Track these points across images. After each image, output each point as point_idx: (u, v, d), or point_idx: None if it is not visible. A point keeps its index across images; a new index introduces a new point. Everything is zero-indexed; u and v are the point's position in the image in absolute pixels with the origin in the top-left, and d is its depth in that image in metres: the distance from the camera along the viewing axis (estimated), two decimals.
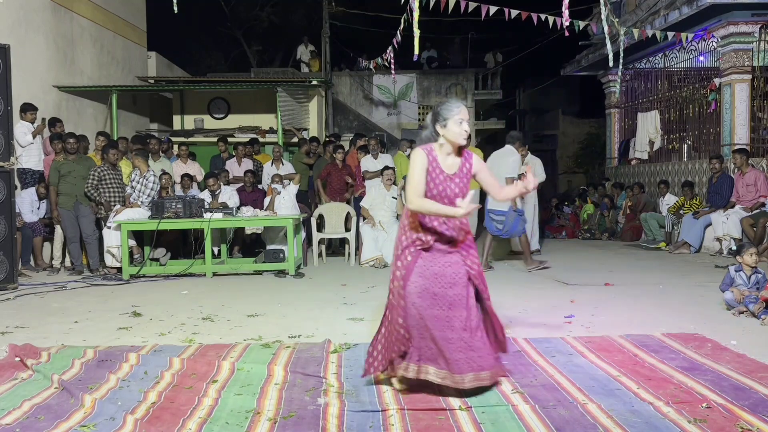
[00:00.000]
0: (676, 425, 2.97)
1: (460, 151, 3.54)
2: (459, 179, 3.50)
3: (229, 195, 9.26)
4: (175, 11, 8.42)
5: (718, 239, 9.45)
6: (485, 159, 8.18)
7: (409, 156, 11.22)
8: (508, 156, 8.22)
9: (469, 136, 3.55)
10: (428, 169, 3.46)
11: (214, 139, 12.11)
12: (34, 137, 8.87)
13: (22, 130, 8.71)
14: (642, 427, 2.97)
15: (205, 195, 9.18)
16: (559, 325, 5.08)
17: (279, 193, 9.10)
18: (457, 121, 3.42)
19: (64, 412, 3.25)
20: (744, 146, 10.30)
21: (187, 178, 9.56)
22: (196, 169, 10.40)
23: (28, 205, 8.78)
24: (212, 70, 21.59)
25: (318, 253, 9.27)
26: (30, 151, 8.95)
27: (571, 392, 3.44)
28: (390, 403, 3.33)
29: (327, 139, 12.72)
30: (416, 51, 9.03)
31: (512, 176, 7.89)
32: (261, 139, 12.19)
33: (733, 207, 9.47)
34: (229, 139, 12.03)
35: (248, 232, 9.68)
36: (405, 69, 18.29)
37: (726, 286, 5.46)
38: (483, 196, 8.69)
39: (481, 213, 8.24)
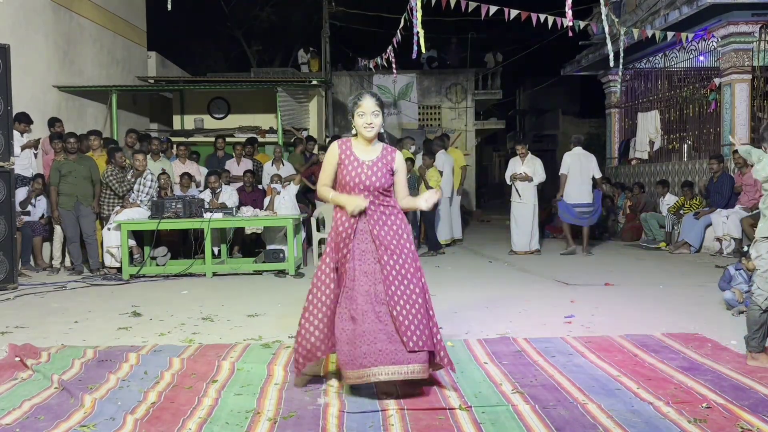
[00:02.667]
0: (676, 425, 2.97)
1: (387, 144, 3.62)
2: (377, 168, 3.50)
3: (229, 194, 9.25)
4: (169, 8, 8.40)
5: (718, 239, 9.45)
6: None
7: (414, 153, 11.22)
8: (591, 158, 9.85)
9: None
10: (340, 159, 3.55)
11: (214, 139, 12.10)
12: (21, 150, 8.79)
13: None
14: (642, 427, 2.97)
15: (206, 194, 9.18)
16: (559, 325, 5.08)
17: (279, 193, 9.09)
18: (359, 113, 3.50)
19: (64, 412, 3.25)
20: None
21: (186, 178, 9.55)
22: (195, 169, 10.39)
23: (30, 207, 8.76)
24: (212, 70, 21.57)
25: (318, 253, 9.26)
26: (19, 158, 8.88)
27: (571, 392, 3.44)
28: (390, 403, 3.33)
29: (327, 139, 12.71)
30: (423, 49, 9.01)
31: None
32: (261, 139, 12.19)
33: (733, 206, 9.47)
34: (230, 139, 12.03)
35: (248, 232, 9.68)
36: (405, 69, 18.28)
37: (725, 284, 5.45)
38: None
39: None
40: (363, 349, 3.30)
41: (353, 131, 3.61)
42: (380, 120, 3.55)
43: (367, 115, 3.50)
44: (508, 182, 10.15)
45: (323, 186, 3.63)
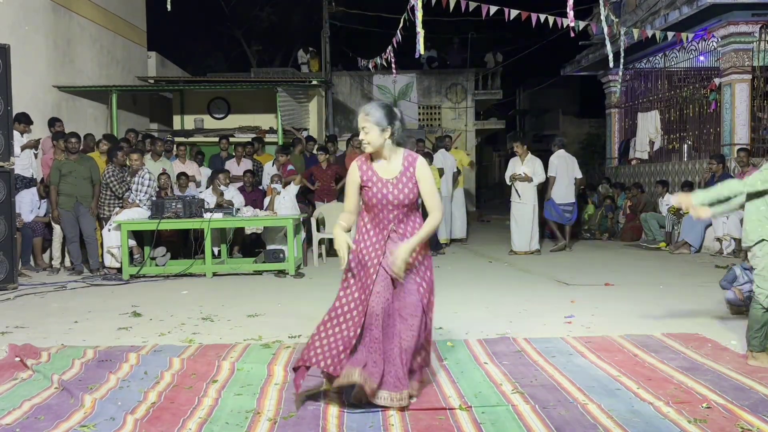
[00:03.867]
0: (676, 425, 2.97)
1: (397, 155, 3.37)
2: (402, 185, 3.31)
3: (233, 194, 9.27)
4: (169, 8, 8.41)
5: (719, 239, 9.44)
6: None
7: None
8: (573, 160, 10.34)
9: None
10: (362, 180, 3.35)
11: (215, 139, 12.11)
12: (21, 150, 8.80)
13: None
14: (642, 427, 2.97)
15: (206, 194, 9.18)
16: (559, 325, 5.08)
17: (279, 193, 9.09)
18: (360, 128, 3.31)
19: (64, 412, 3.25)
20: (745, 146, 10.31)
21: (183, 178, 9.56)
22: (195, 169, 10.39)
23: (28, 205, 8.76)
24: (212, 70, 21.57)
25: (318, 253, 9.26)
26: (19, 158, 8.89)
27: (571, 392, 3.44)
28: None
29: (326, 139, 12.70)
30: (421, 50, 9.01)
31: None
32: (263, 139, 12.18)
33: None
34: (231, 139, 12.03)
35: (248, 232, 9.68)
36: (405, 69, 18.27)
37: (727, 284, 5.44)
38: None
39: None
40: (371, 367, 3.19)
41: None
42: (376, 133, 3.27)
43: (361, 132, 3.32)
44: (508, 182, 10.16)
45: (345, 213, 3.42)
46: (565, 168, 10.12)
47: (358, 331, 3.21)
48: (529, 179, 9.82)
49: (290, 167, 9.83)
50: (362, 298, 3.25)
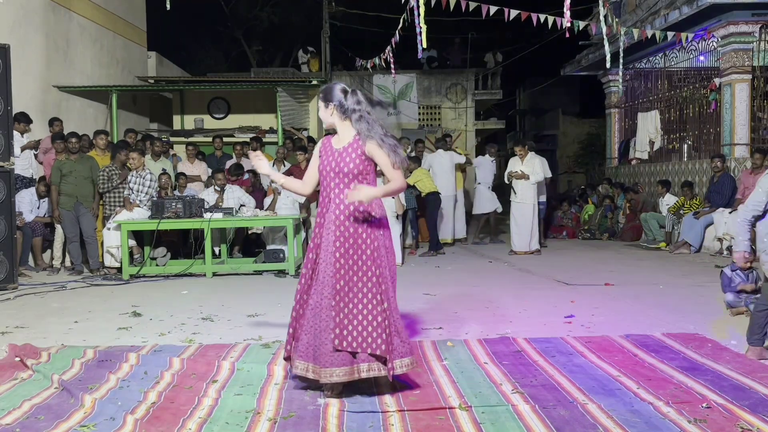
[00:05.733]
0: (676, 425, 2.97)
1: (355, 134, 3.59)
2: (346, 154, 3.54)
3: (239, 195, 9.23)
4: (168, 8, 8.41)
5: (719, 239, 9.44)
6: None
7: (409, 152, 11.23)
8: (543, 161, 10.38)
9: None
10: (320, 153, 3.68)
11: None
12: (21, 151, 8.80)
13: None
14: (642, 427, 2.97)
15: (206, 194, 9.19)
16: (559, 325, 5.08)
17: (279, 193, 9.09)
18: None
19: (64, 412, 3.25)
20: (763, 147, 10.38)
21: (183, 178, 9.55)
22: (203, 169, 10.39)
23: (28, 205, 8.76)
24: (212, 70, 21.57)
25: None
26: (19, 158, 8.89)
27: (571, 392, 3.44)
28: (390, 403, 3.33)
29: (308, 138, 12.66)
30: (424, 44, 9.01)
31: None
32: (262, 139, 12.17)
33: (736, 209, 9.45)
34: (232, 139, 12.02)
35: (249, 231, 9.68)
36: (405, 69, 18.28)
37: (727, 288, 5.44)
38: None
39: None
40: (304, 342, 3.44)
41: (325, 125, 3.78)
42: (326, 112, 3.59)
43: (321, 109, 3.65)
44: (506, 181, 10.18)
45: (301, 182, 3.82)
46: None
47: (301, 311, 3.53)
48: (526, 177, 9.82)
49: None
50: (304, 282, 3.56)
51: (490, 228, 12.07)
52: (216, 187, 9.21)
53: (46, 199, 8.88)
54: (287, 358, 3.62)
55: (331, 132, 3.73)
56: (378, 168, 3.61)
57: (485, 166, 11.81)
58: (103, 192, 8.51)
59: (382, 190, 3.51)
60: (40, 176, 9.00)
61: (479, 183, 11.72)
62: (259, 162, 3.75)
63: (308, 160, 10.08)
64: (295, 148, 10.32)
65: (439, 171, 10.84)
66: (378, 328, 3.36)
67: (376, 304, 3.38)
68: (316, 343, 3.39)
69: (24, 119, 8.79)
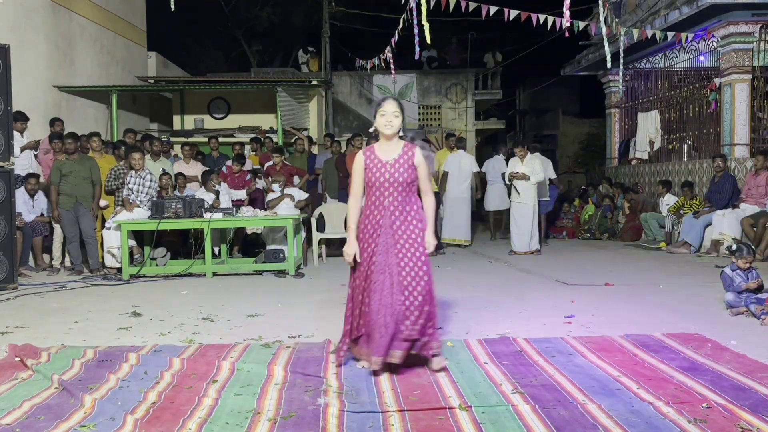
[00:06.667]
0: (676, 425, 2.97)
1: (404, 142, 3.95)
2: (398, 165, 3.86)
3: (227, 191, 9.28)
4: (172, 9, 8.42)
5: (716, 241, 9.43)
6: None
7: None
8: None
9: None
10: (366, 165, 3.93)
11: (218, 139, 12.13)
12: (21, 151, 8.79)
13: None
14: (642, 427, 2.97)
15: (200, 194, 9.20)
16: (559, 325, 5.08)
17: (287, 195, 9.16)
18: (381, 113, 3.91)
19: (64, 412, 3.25)
20: (751, 146, 10.40)
21: (182, 178, 9.56)
22: (199, 170, 10.39)
23: (23, 205, 8.76)
24: (212, 70, 21.57)
25: (318, 253, 9.27)
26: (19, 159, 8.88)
27: (571, 392, 3.44)
28: (390, 403, 3.33)
29: (325, 136, 12.68)
30: (428, 39, 9.00)
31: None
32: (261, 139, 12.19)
33: (738, 206, 9.45)
34: (232, 139, 12.02)
35: (249, 231, 9.69)
36: (405, 69, 18.29)
37: (729, 288, 5.44)
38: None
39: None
40: (379, 338, 3.70)
41: (372, 128, 4.02)
42: (400, 121, 3.90)
43: (387, 114, 3.88)
44: (507, 182, 10.19)
45: (354, 197, 4.03)
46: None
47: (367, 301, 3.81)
48: (527, 178, 9.82)
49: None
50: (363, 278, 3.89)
51: (491, 226, 12.43)
52: (214, 186, 9.22)
53: (38, 196, 8.85)
54: (355, 339, 3.93)
55: (366, 143, 4.07)
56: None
57: (497, 166, 11.87)
58: (110, 191, 8.53)
59: (431, 226, 3.93)
60: (26, 174, 8.92)
61: (491, 182, 11.92)
62: (348, 251, 3.95)
63: (284, 162, 10.18)
64: (273, 150, 10.40)
65: (456, 173, 10.86)
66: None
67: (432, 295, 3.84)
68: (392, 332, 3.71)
69: (20, 117, 8.77)
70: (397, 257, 3.78)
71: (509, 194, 10.41)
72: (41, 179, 9.07)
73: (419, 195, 3.98)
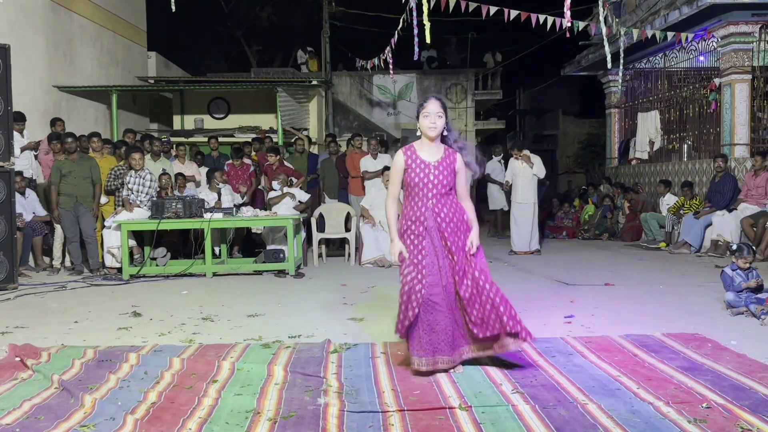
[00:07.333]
0: (676, 425, 2.97)
1: (442, 144, 3.90)
2: (442, 168, 3.81)
3: (229, 192, 9.29)
4: (173, 9, 8.42)
5: (714, 241, 9.42)
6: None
7: None
8: None
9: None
10: (407, 164, 3.84)
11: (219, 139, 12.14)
12: (21, 151, 8.78)
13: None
14: (642, 427, 2.97)
15: (207, 194, 9.19)
16: (559, 325, 5.08)
17: (291, 194, 9.15)
18: (424, 114, 3.82)
19: (64, 412, 3.25)
20: (751, 146, 10.39)
21: (181, 178, 9.56)
22: (195, 169, 10.39)
23: (19, 206, 8.74)
24: (212, 70, 21.58)
25: (318, 253, 9.27)
26: (19, 159, 8.87)
27: (571, 392, 3.44)
28: (390, 403, 3.33)
29: (326, 136, 12.69)
30: (428, 40, 9.01)
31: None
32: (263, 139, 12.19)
33: (736, 208, 9.44)
34: (232, 139, 12.02)
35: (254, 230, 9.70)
36: (405, 69, 18.30)
37: (729, 288, 5.44)
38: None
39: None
40: (439, 340, 3.71)
41: (418, 132, 3.91)
42: (443, 122, 3.83)
43: (431, 115, 3.79)
44: (505, 189, 10.21)
45: (392, 199, 3.94)
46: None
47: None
48: (531, 164, 9.87)
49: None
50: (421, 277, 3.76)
51: (498, 225, 12.82)
52: (218, 185, 9.23)
53: (29, 193, 8.83)
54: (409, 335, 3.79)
55: (402, 143, 3.96)
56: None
57: (493, 168, 12.43)
58: (110, 191, 8.53)
59: (476, 226, 3.93)
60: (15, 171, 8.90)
61: (489, 183, 12.51)
62: (394, 249, 3.83)
63: (281, 162, 10.17)
64: (268, 150, 10.42)
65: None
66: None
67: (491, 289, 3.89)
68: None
69: (18, 117, 8.75)
70: (453, 260, 3.78)
71: (508, 197, 10.49)
72: (33, 177, 9.06)
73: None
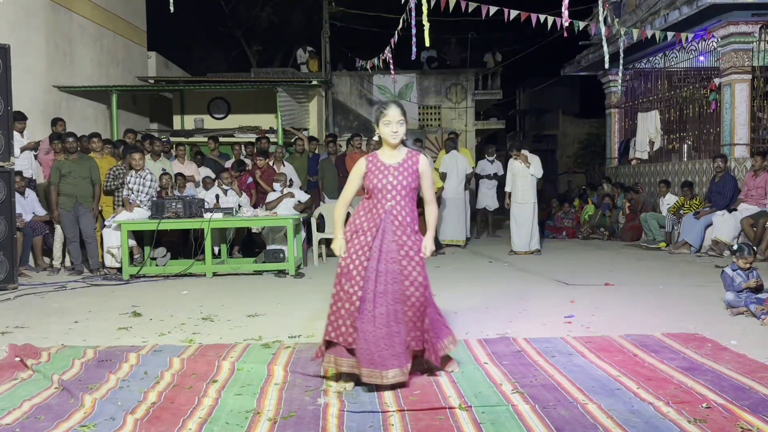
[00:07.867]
0: (676, 425, 2.97)
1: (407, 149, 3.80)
2: (402, 169, 3.71)
3: (233, 195, 9.29)
4: (171, 10, 8.42)
5: (714, 241, 9.41)
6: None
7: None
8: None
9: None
10: (367, 169, 3.75)
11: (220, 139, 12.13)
12: (21, 152, 8.78)
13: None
14: (642, 427, 2.97)
15: (207, 194, 9.19)
16: (559, 325, 5.08)
17: (291, 195, 9.15)
18: (385, 122, 3.70)
19: (64, 412, 3.25)
20: (751, 146, 10.40)
21: (181, 178, 9.56)
22: (194, 169, 10.39)
23: (18, 207, 8.73)
24: (212, 70, 21.56)
25: (318, 253, 9.27)
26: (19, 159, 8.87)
27: (571, 392, 3.44)
28: (390, 403, 3.33)
29: (327, 136, 12.68)
30: (427, 43, 9.00)
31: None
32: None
33: (736, 208, 9.44)
34: (232, 140, 12.02)
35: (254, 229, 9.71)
36: (405, 69, 18.28)
37: (729, 288, 5.44)
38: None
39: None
40: (380, 350, 3.50)
41: (376, 137, 3.84)
42: (404, 128, 3.74)
43: (393, 123, 3.69)
44: (506, 190, 10.17)
45: (342, 204, 3.83)
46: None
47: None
48: (528, 164, 9.87)
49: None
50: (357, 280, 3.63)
51: (488, 224, 12.90)
52: (223, 186, 9.25)
53: (28, 193, 8.83)
54: (329, 344, 3.67)
55: (368, 150, 3.87)
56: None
57: (483, 168, 12.51)
58: (109, 191, 8.53)
59: (432, 232, 3.80)
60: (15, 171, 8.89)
61: (483, 182, 12.54)
62: (338, 249, 3.74)
63: (268, 165, 10.14)
64: (257, 153, 10.42)
65: (454, 173, 10.92)
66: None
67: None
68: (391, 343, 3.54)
69: (18, 116, 8.74)
70: (400, 265, 3.61)
71: (500, 197, 10.55)
72: (33, 177, 9.06)
73: (419, 202, 3.82)
